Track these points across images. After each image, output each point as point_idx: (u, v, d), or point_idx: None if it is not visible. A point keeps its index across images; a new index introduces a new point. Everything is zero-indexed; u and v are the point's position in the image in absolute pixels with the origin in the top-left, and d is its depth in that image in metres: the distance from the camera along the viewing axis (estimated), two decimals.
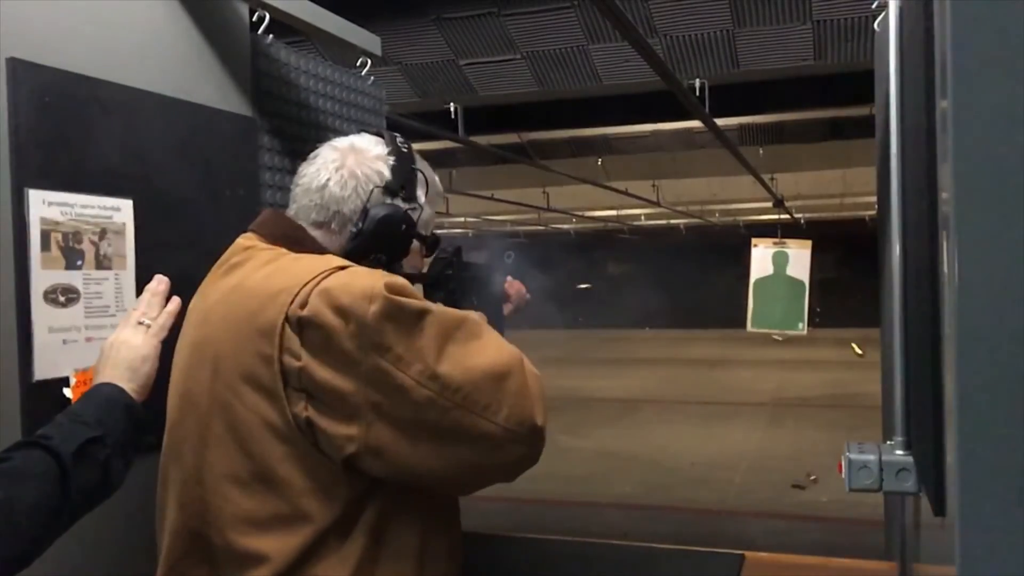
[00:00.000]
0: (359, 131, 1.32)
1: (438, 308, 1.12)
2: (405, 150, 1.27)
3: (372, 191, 1.22)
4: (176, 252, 1.47)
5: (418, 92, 4.20)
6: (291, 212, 1.26)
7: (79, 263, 1.31)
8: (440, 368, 1.06)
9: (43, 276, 1.25)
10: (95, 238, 1.33)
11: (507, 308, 1.60)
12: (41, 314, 1.25)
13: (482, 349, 1.12)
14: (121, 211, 1.38)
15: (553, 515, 5.03)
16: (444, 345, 1.08)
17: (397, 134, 1.30)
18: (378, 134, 1.29)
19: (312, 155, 1.28)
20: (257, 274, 1.16)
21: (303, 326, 1.07)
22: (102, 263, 1.35)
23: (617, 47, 3.68)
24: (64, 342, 1.28)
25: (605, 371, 11.32)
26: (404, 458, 1.09)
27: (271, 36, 1.77)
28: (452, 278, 1.46)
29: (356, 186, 1.22)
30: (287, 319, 1.07)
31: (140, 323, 1.22)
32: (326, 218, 1.23)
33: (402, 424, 1.07)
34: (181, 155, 1.52)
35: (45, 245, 1.25)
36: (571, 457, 6.15)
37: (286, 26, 1.80)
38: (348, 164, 1.23)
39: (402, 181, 1.25)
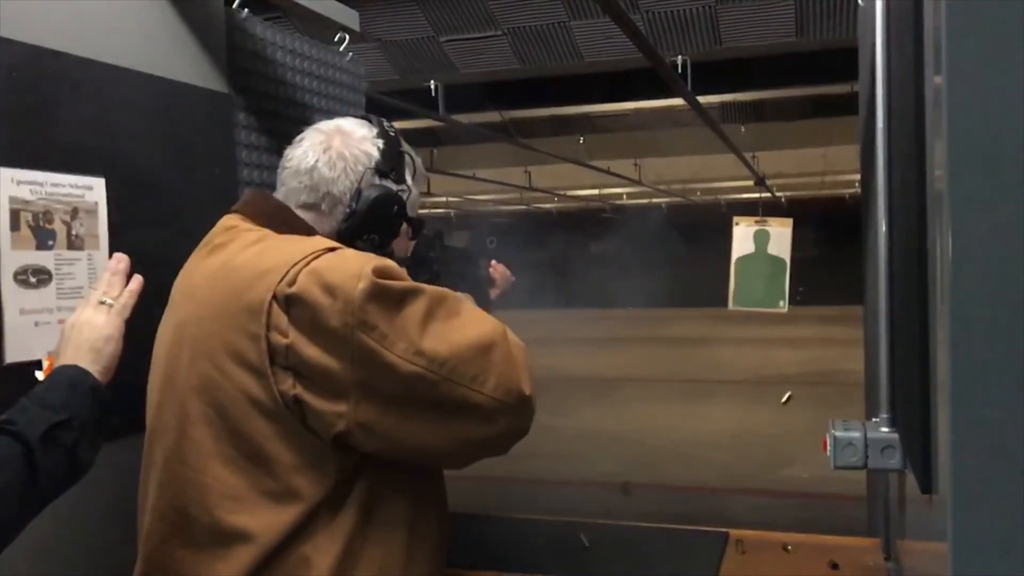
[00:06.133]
0: (343, 112, 1.33)
1: (424, 286, 1.13)
2: (392, 133, 1.29)
3: (364, 172, 1.23)
4: (151, 231, 1.44)
5: (398, 69, 4.15)
6: (279, 195, 1.27)
7: (50, 243, 1.28)
8: (424, 344, 1.08)
9: (13, 257, 1.22)
10: (67, 217, 1.30)
11: (493, 292, 1.61)
12: (11, 296, 1.21)
13: (464, 324, 1.14)
14: (93, 190, 1.35)
15: (536, 494, 5.05)
16: (427, 323, 1.10)
17: (383, 118, 1.31)
18: (363, 117, 1.30)
19: (297, 138, 1.28)
20: (244, 253, 1.15)
21: (291, 303, 1.08)
22: (74, 243, 1.32)
23: (599, 23, 3.65)
24: (36, 324, 1.25)
25: (587, 350, 11.35)
26: (395, 433, 1.11)
27: (246, 10, 1.73)
28: (435, 260, 1.47)
29: (345, 167, 1.23)
30: (275, 297, 1.08)
31: (101, 303, 1.19)
32: (316, 200, 1.23)
33: (391, 400, 1.09)
34: (154, 132, 1.49)
35: (15, 225, 1.22)
36: (554, 436, 6.17)
37: (262, 0, 1.76)
38: (335, 145, 1.24)
39: (392, 163, 1.26)
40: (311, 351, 1.07)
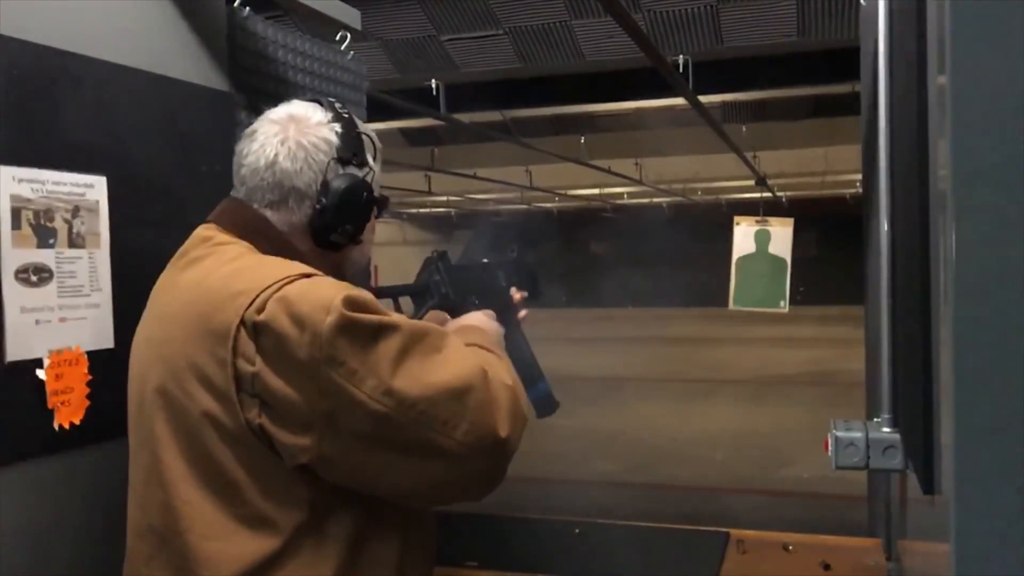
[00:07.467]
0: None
1: (401, 321, 1.09)
2: (346, 115, 1.24)
3: (327, 163, 1.19)
4: (152, 230, 1.43)
5: (399, 68, 4.14)
6: (240, 195, 1.22)
7: (51, 241, 1.27)
8: (396, 383, 1.04)
9: (14, 255, 1.22)
10: (68, 216, 1.30)
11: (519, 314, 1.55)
12: (12, 294, 1.21)
13: (443, 363, 1.08)
14: (95, 188, 1.35)
15: (536, 493, 5.05)
16: (402, 360, 1.05)
17: (333, 99, 1.26)
18: (314, 100, 1.25)
19: (249, 131, 1.23)
20: (218, 272, 1.12)
21: (259, 331, 1.04)
22: (75, 241, 1.31)
23: (600, 23, 3.65)
24: (37, 322, 1.25)
25: (588, 349, 11.34)
26: (359, 470, 1.07)
27: (248, 9, 1.73)
28: (442, 282, 1.42)
29: (306, 157, 1.18)
30: (243, 322, 1.04)
31: None
32: (281, 196, 1.19)
33: (356, 437, 1.05)
34: (156, 131, 1.48)
35: (16, 223, 1.22)
36: (554, 435, 6.15)
37: None
38: (291, 135, 1.19)
39: (352, 148, 1.22)
40: (277, 383, 1.03)
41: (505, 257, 1.58)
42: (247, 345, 1.04)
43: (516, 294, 1.55)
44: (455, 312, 1.42)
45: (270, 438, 1.05)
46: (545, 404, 1.54)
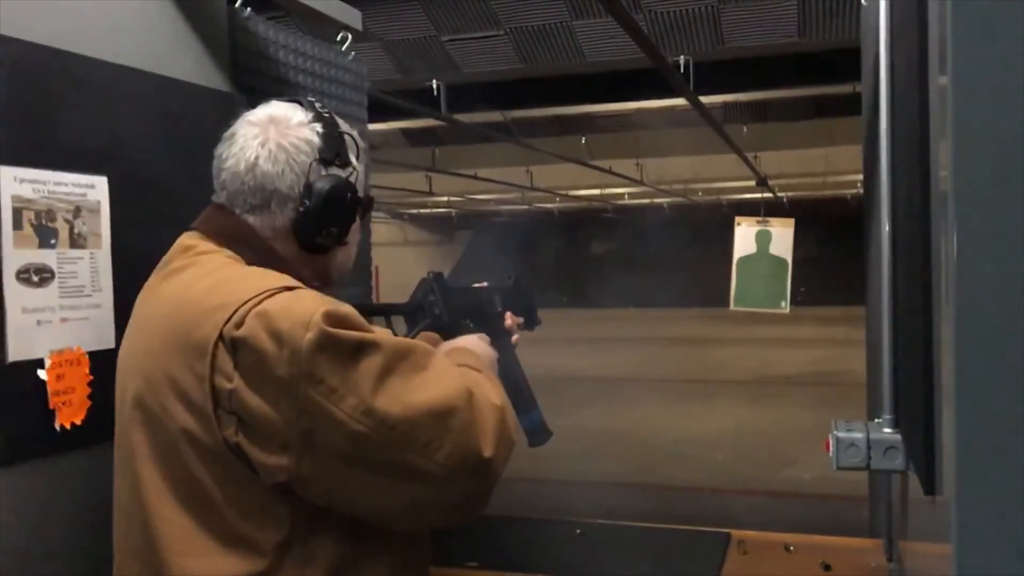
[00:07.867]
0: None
1: (384, 339, 1.06)
2: (327, 114, 1.22)
3: (309, 164, 1.16)
4: (153, 230, 1.43)
5: (400, 69, 4.15)
6: (222, 199, 1.19)
7: (53, 242, 1.27)
8: (377, 403, 1.01)
9: (15, 255, 1.22)
10: (69, 216, 1.30)
11: (513, 339, 1.54)
12: (14, 294, 1.21)
13: (426, 383, 1.06)
14: (96, 188, 1.35)
15: (536, 493, 5.05)
16: (385, 378, 1.02)
17: (313, 99, 1.24)
18: (294, 100, 1.23)
19: (228, 133, 1.21)
20: (199, 284, 1.10)
21: (237, 347, 1.01)
22: (77, 242, 1.31)
23: (601, 23, 3.65)
24: (38, 323, 1.25)
25: (588, 350, 11.34)
26: (338, 491, 1.05)
27: (249, 9, 1.73)
28: (437, 303, 1.41)
29: (287, 159, 1.15)
30: (221, 338, 1.02)
31: None
32: (263, 200, 1.16)
33: (335, 457, 1.02)
34: (157, 131, 1.48)
35: (17, 223, 1.22)
36: (555, 436, 6.16)
37: None
38: (271, 136, 1.16)
39: (334, 148, 1.19)
40: (255, 400, 1.00)
41: (502, 283, 1.57)
42: (225, 361, 1.02)
43: (510, 319, 1.53)
44: (449, 334, 1.40)
45: (248, 456, 1.02)
46: (538, 433, 1.53)
